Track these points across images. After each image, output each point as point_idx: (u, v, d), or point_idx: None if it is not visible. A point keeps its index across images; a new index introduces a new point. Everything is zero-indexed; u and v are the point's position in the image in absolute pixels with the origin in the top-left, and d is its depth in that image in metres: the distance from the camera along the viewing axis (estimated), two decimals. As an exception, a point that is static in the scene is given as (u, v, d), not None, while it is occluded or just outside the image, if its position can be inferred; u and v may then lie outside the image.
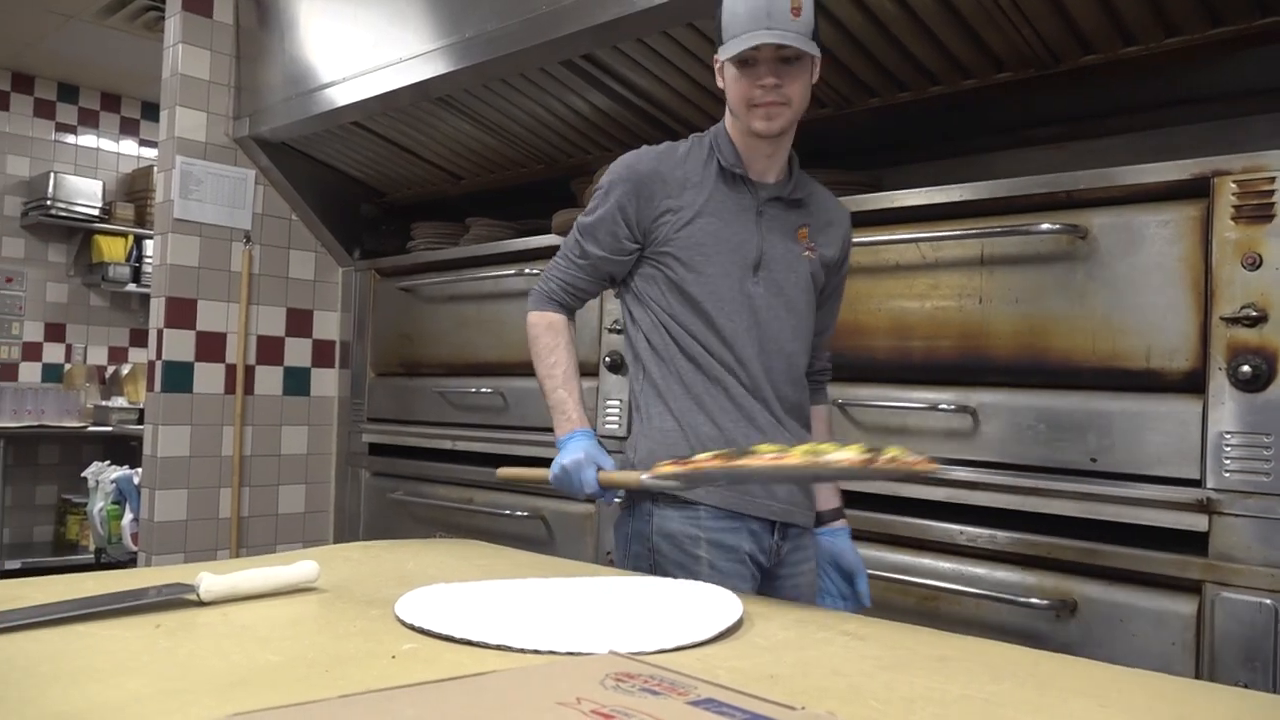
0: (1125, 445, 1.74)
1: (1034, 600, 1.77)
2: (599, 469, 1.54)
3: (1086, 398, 1.80)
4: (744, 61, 1.49)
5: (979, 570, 1.88)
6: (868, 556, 1.76)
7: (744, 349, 1.56)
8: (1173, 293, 1.71)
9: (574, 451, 1.57)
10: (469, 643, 0.96)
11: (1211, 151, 1.70)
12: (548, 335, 1.66)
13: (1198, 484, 1.65)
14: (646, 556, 1.54)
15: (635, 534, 1.57)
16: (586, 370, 2.30)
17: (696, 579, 1.38)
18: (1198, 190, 1.69)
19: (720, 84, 1.57)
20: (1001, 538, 1.85)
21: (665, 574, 1.47)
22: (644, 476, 1.47)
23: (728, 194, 1.58)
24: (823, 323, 1.70)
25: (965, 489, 1.90)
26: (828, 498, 1.69)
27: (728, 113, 1.60)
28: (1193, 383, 1.68)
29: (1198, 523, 1.64)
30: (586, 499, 1.68)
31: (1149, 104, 2.16)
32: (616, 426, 2.53)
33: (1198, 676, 1.60)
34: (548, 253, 2.83)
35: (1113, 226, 1.79)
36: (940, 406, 1.95)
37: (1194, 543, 1.65)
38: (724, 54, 1.49)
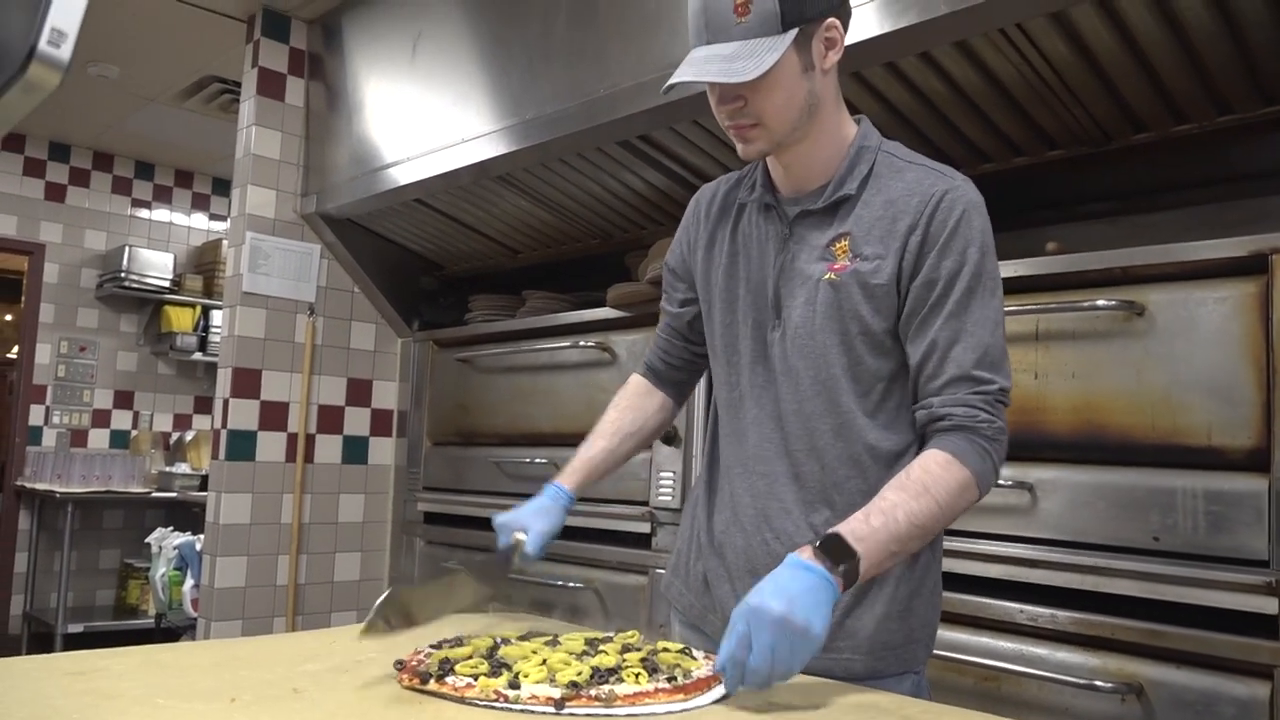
0: (1189, 524, 1.71)
1: (1098, 683, 1.73)
2: (519, 533, 1.41)
3: (1147, 474, 1.78)
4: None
5: (1040, 650, 1.84)
6: (925, 635, 1.73)
7: (730, 421, 1.39)
8: (1233, 370, 1.70)
9: (522, 507, 1.46)
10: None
11: (1267, 227, 1.70)
12: (618, 393, 1.60)
13: (1265, 565, 1.61)
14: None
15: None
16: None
17: None
18: (1256, 267, 1.69)
19: None
20: (1063, 617, 1.82)
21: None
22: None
23: (753, 225, 1.37)
24: (921, 347, 1.23)
25: (1024, 566, 1.88)
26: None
27: None
28: (1257, 461, 1.66)
29: (1266, 605, 1.60)
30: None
31: (1202, 180, 2.16)
32: (670, 498, 2.54)
33: (1273, 766, 1.55)
34: (602, 325, 2.90)
35: (1170, 303, 1.78)
36: (998, 482, 1.93)
37: (1264, 625, 1.60)
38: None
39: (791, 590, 1.05)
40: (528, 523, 1.42)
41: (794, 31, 1.19)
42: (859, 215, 1.27)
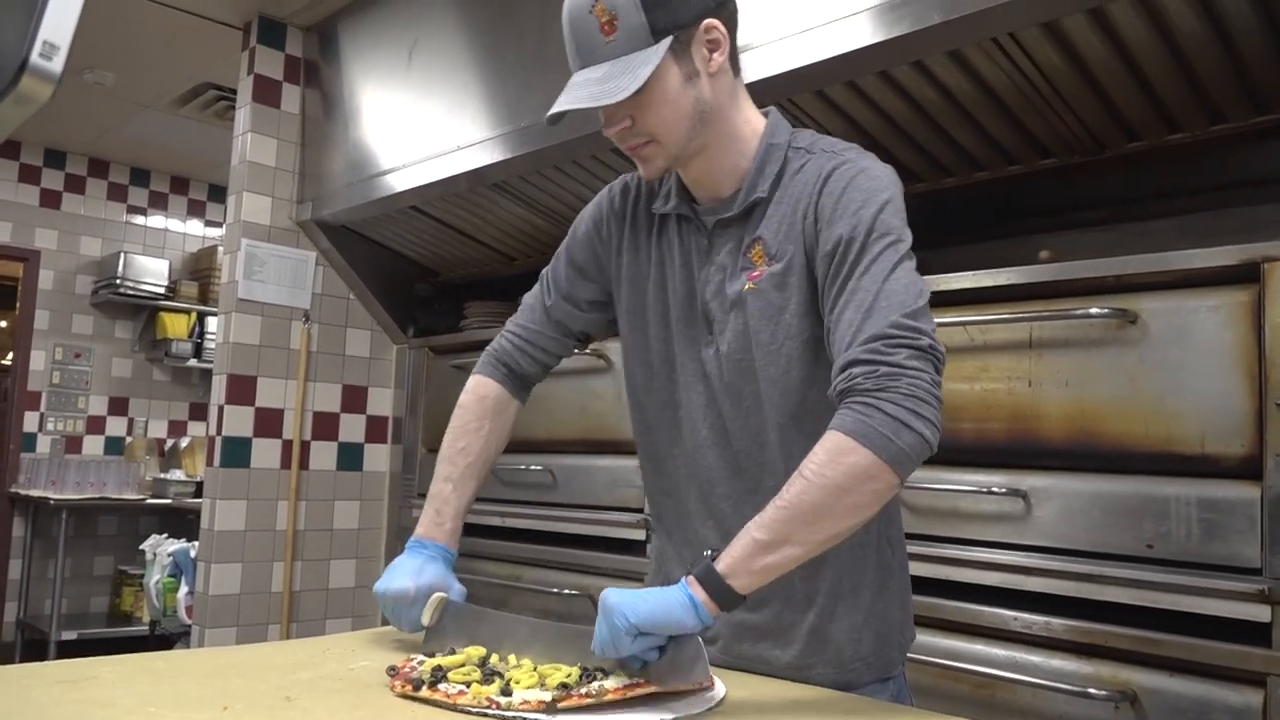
0: (1182, 532, 1.71)
1: (1092, 690, 1.73)
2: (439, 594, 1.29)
3: (1141, 482, 1.78)
4: None
5: (1034, 658, 1.85)
6: (917, 641, 1.73)
7: (669, 442, 1.35)
8: (1226, 378, 1.70)
9: (398, 571, 1.32)
10: None
11: (1260, 236, 1.71)
12: (468, 405, 1.53)
13: (1259, 573, 1.62)
14: None
15: None
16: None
17: None
18: (1248, 276, 1.69)
19: None
20: (1056, 625, 1.82)
21: None
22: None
23: (673, 235, 1.32)
24: (829, 322, 1.15)
25: (1018, 574, 1.88)
26: None
27: None
28: (1250, 469, 1.66)
29: (1260, 613, 1.60)
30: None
31: (1195, 188, 2.17)
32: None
33: (1266, 773, 1.55)
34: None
35: (1163, 311, 1.79)
36: (991, 490, 1.94)
37: (1257, 633, 1.61)
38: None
39: (630, 591, 1.08)
40: (443, 586, 1.32)
41: (668, 40, 1.14)
42: (770, 217, 1.23)
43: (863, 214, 1.14)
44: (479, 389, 1.49)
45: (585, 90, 1.15)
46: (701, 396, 1.29)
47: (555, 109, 1.17)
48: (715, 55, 1.20)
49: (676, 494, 1.36)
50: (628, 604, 1.05)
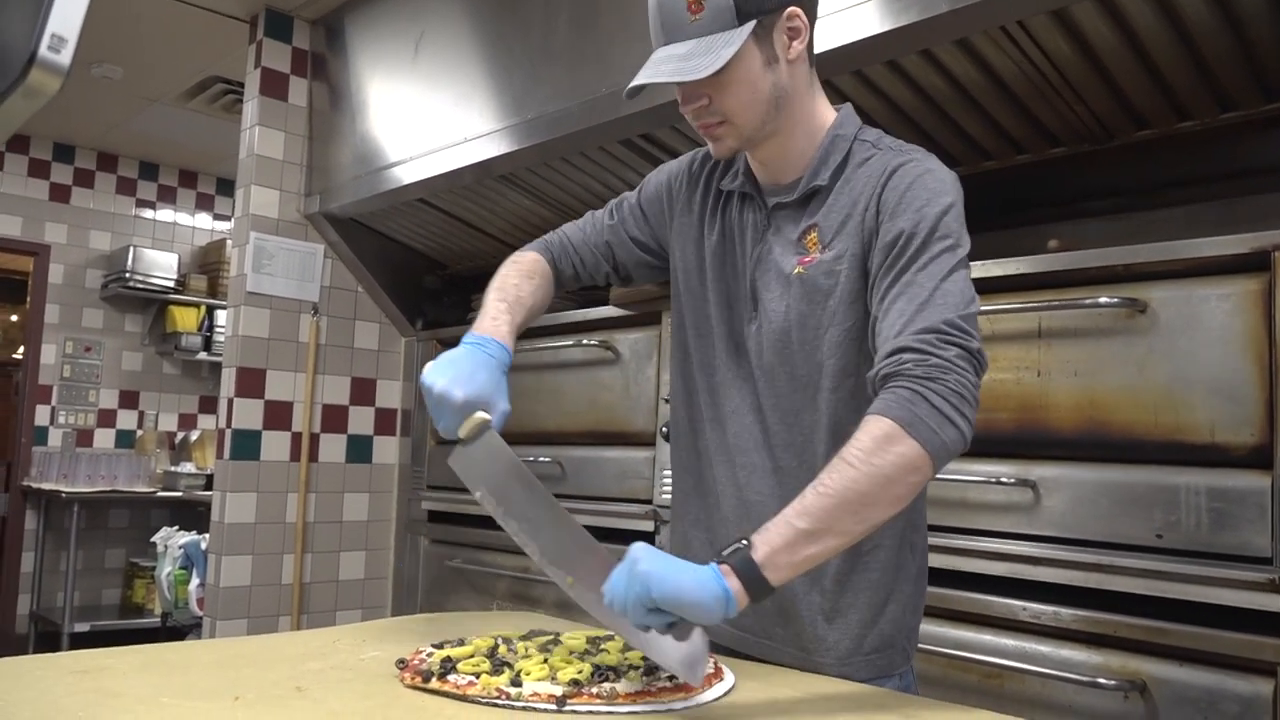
0: (1192, 521, 1.71)
1: (1101, 680, 1.73)
2: (481, 413, 1.20)
3: (1150, 472, 1.78)
4: None
5: (1043, 648, 1.84)
6: (927, 631, 1.73)
7: (710, 408, 1.37)
8: (1236, 367, 1.69)
9: (451, 367, 1.22)
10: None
11: (1270, 225, 1.70)
12: (519, 260, 1.49)
13: (1269, 562, 1.61)
14: None
15: None
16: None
17: None
18: (1259, 264, 1.68)
19: None
20: (1066, 615, 1.82)
21: None
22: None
23: (735, 212, 1.36)
24: (876, 311, 1.16)
25: (1027, 564, 1.88)
26: None
27: None
28: (1260, 458, 1.66)
29: (1270, 603, 1.59)
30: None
31: (1205, 176, 2.16)
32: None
33: (1276, 763, 1.55)
34: (605, 324, 2.90)
35: (1172, 300, 1.78)
36: (1000, 480, 1.94)
37: (1267, 622, 1.60)
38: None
39: (664, 558, 1.02)
40: (489, 399, 1.22)
41: (751, 24, 1.16)
42: (829, 206, 1.25)
43: (926, 211, 1.15)
44: (525, 257, 1.46)
45: (668, 66, 1.16)
46: (739, 369, 1.31)
47: (636, 81, 1.19)
48: (795, 43, 1.22)
49: (704, 456, 1.37)
50: (657, 575, 0.98)
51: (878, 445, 1.03)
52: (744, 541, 1.02)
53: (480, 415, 1.20)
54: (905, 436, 1.03)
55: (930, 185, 1.18)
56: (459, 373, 1.21)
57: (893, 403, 1.04)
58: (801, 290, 1.24)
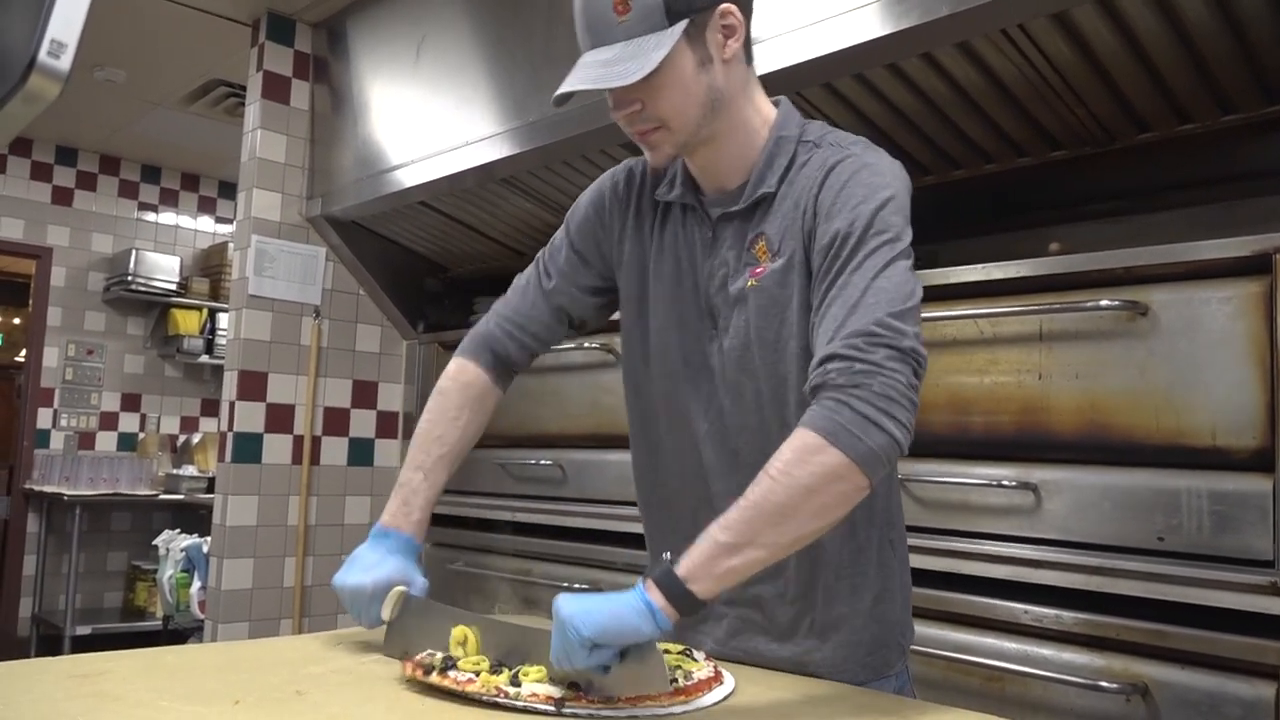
0: (1193, 524, 1.71)
1: (1103, 683, 1.73)
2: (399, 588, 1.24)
3: (1152, 475, 1.78)
4: None
5: (1045, 651, 1.84)
6: (928, 635, 1.73)
7: (672, 436, 1.33)
8: (1238, 370, 1.69)
9: (356, 564, 1.26)
10: None
11: (1271, 227, 1.69)
12: (447, 389, 1.44)
13: (1270, 565, 1.61)
14: None
15: None
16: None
17: None
18: (1260, 267, 1.68)
19: None
20: (1067, 618, 1.82)
21: None
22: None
23: (678, 225, 1.29)
24: (813, 318, 1.14)
25: (1028, 567, 1.87)
26: None
27: None
28: (1262, 461, 1.65)
29: (1271, 606, 1.59)
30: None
31: (1206, 179, 2.16)
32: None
33: (1278, 766, 1.54)
34: (606, 327, 2.89)
35: (1173, 303, 1.78)
36: (1001, 483, 1.93)
37: (1269, 626, 1.60)
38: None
39: (582, 598, 1.02)
40: (404, 580, 1.27)
41: (683, 24, 1.11)
42: (774, 212, 1.20)
43: (861, 209, 1.11)
44: (462, 374, 1.40)
45: (595, 71, 1.12)
46: (703, 391, 1.26)
47: (562, 89, 1.15)
48: (731, 41, 1.17)
49: (670, 486, 1.33)
50: (580, 615, 0.99)
51: (798, 457, 1.01)
52: (667, 555, 1.04)
53: (398, 589, 1.24)
54: (828, 446, 1.01)
55: (866, 180, 1.14)
56: (365, 565, 1.26)
57: (817, 414, 1.03)
58: (756, 303, 1.20)
